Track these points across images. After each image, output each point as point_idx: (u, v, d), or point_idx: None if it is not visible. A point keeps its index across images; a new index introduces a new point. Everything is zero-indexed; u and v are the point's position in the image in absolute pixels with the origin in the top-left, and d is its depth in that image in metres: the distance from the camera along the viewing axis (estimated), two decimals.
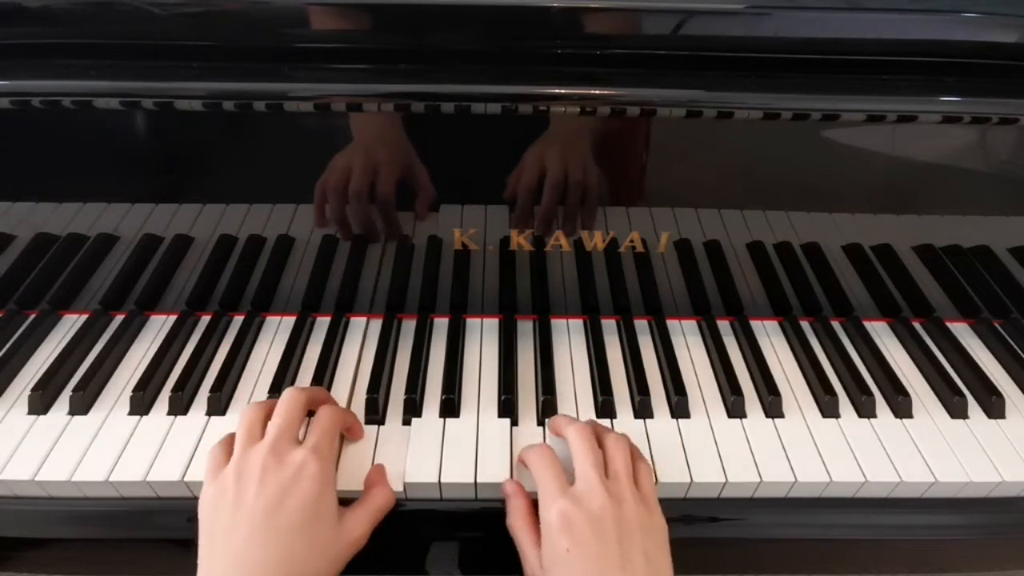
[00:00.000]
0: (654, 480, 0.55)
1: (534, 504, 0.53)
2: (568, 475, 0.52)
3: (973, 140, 0.63)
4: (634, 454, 0.55)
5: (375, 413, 0.62)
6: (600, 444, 0.54)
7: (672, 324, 0.73)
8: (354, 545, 0.51)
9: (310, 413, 0.57)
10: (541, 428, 0.61)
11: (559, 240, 0.68)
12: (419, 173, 0.63)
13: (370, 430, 0.60)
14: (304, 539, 0.48)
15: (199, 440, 0.59)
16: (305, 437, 0.54)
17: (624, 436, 0.55)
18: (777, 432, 0.61)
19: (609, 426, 0.61)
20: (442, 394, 0.63)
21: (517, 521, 0.53)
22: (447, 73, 0.59)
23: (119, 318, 0.72)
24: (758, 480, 0.57)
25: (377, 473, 0.56)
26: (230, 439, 0.54)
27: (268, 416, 0.54)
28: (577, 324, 0.74)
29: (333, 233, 0.67)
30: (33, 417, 0.61)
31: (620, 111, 0.60)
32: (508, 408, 0.62)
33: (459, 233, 0.67)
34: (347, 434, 0.59)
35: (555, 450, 0.54)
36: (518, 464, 0.57)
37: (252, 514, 0.48)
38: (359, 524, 0.52)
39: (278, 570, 0.47)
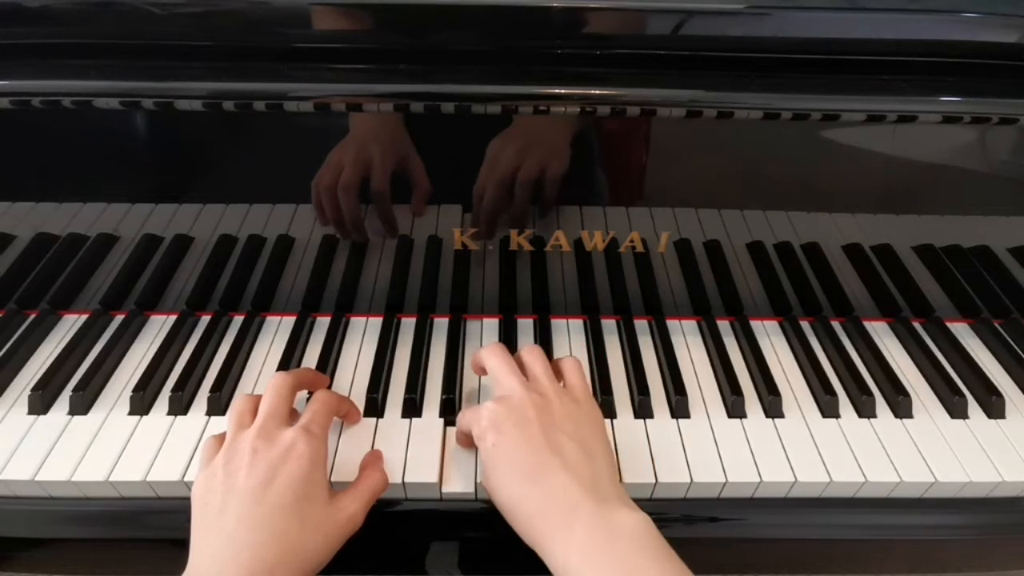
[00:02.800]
0: (581, 372, 0.58)
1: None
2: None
3: (973, 140, 0.63)
4: (564, 361, 0.59)
5: (375, 413, 0.62)
6: (517, 359, 0.58)
7: (672, 324, 0.73)
8: (348, 524, 0.51)
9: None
10: None
11: (559, 240, 0.68)
12: (418, 172, 0.63)
13: (370, 430, 0.60)
14: (295, 517, 0.48)
15: (199, 440, 0.59)
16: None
17: (536, 346, 0.59)
18: (777, 432, 0.61)
19: (608, 426, 0.61)
20: (442, 394, 0.63)
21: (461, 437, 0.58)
22: (447, 73, 0.59)
23: (119, 318, 0.72)
24: (758, 480, 0.57)
25: (372, 456, 0.57)
26: (218, 436, 0.54)
27: (257, 407, 0.55)
28: (577, 324, 0.74)
29: (333, 232, 0.67)
30: (33, 417, 0.61)
31: (620, 111, 0.60)
32: None
33: (459, 233, 0.67)
34: (344, 420, 0.60)
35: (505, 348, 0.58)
36: (473, 367, 0.61)
37: (242, 494, 0.48)
38: (352, 503, 0.51)
39: (268, 549, 0.47)
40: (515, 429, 0.50)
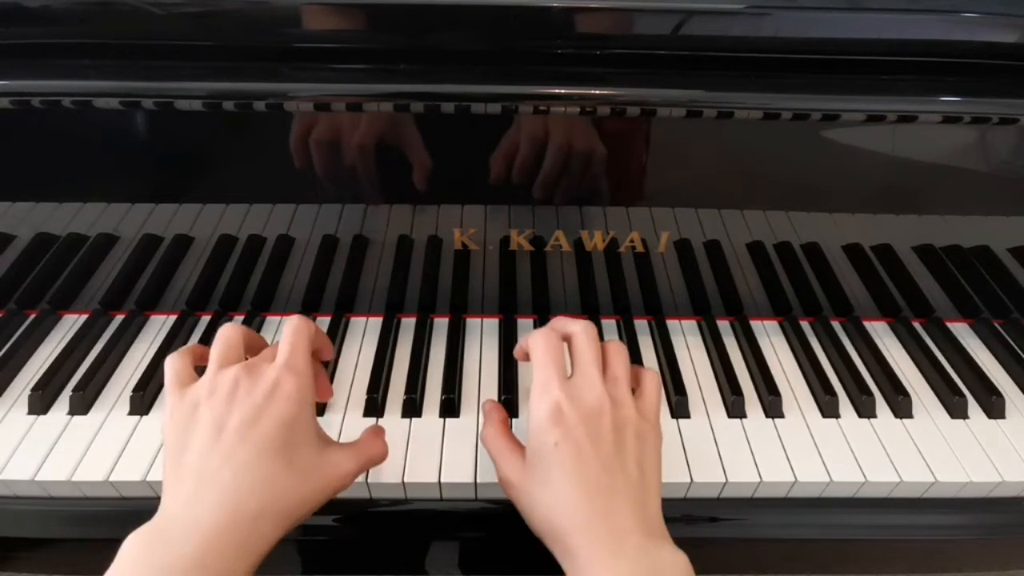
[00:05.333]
0: (659, 389, 0.53)
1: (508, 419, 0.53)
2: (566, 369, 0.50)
3: (973, 140, 0.63)
4: (646, 373, 0.53)
5: (375, 413, 0.62)
6: (602, 349, 0.52)
7: (672, 324, 0.73)
8: (338, 480, 0.48)
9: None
10: None
11: (559, 240, 0.68)
12: (417, 172, 0.63)
13: None
14: (282, 461, 0.45)
15: None
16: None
17: (624, 346, 0.53)
18: (777, 432, 0.61)
19: None
20: (442, 394, 0.63)
21: (491, 429, 0.52)
22: (447, 73, 0.59)
23: (119, 318, 0.72)
24: (758, 480, 0.57)
25: (376, 428, 0.54)
26: (189, 350, 0.52)
27: (247, 343, 0.52)
28: None
29: (333, 232, 0.67)
30: (33, 417, 0.61)
31: (620, 111, 0.60)
32: (508, 408, 0.62)
33: (459, 233, 0.67)
34: (318, 354, 0.55)
35: (559, 338, 0.52)
36: (517, 353, 0.55)
37: (226, 434, 0.45)
38: (346, 460, 0.49)
39: (252, 495, 0.44)
40: (584, 436, 0.46)
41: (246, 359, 0.50)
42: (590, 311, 0.74)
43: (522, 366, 0.67)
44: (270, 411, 0.46)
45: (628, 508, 0.45)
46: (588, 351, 0.50)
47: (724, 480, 0.56)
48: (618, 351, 0.52)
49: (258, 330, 0.72)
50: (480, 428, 0.53)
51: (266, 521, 0.44)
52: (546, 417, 0.47)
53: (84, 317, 0.72)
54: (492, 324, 0.73)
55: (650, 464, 0.48)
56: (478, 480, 0.56)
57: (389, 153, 0.62)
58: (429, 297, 0.72)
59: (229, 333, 0.51)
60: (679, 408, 0.63)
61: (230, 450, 0.44)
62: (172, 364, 0.50)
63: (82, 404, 0.62)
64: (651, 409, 0.51)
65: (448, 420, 0.61)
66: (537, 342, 0.51)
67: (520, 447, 0.50)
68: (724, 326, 0.73)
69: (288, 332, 0.50)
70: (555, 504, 0.46)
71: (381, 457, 0.53)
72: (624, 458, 0.47)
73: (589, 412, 0.47)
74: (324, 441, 0.49)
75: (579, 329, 0.51)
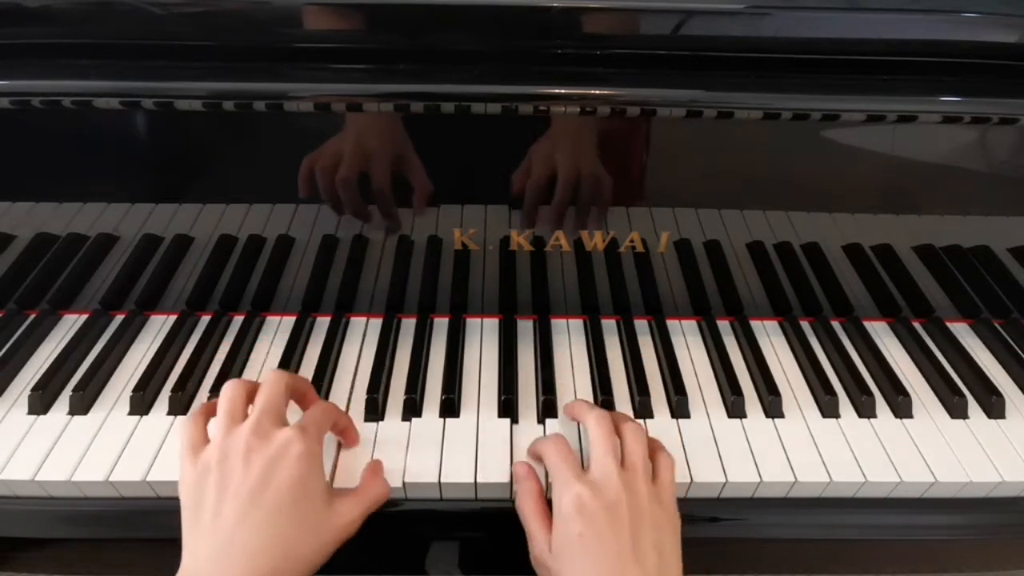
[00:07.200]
0: (674, 474, 0.55)
1: (543, 491, 0.54)
2: (580, 463, 0.53)
3: (973, 140, 0.63)
4: (656, 446, 0.56)
5: (375, 413, 0.62)
6: (618, 433, 0.54)
7: (672, 324, 0.73)
8: (344, 529, 0.50)
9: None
10: (541, 427, 0.61)
11: (559, 240, 0.68)
12: (417, 172, 0.63)
13: (370, 430, 0.60)
14: (293, 520, 0.47)
15: None
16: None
17: (641, 427, 0.55)
18: (777, 432, 0.61)
19: None
20: (442, 394, 0.63)
21: (527, 503, 0.53)
22: (447, 73, 0.59)
23: (119, 318, 0.72)
24: (758, 480, 0.57)
25: (374, 466, 0.56)
26: (202, 411, 0.53)
27: (249, 395, 0.53)
28: (577, 324, 0.74)
29: (333, 232, 0.67)
30: (33, 417, 0.61)
31: (620, 111, 0.60)
32: (508, 408, 0.62)
33: (459, 233, 0.67)
34: (342, 438, 0.58)
35: (565, 438, 0.55)
36: (529, 457, 0.57)
37: (238, 495, 0.47)
38: (351, 509, 0.51)
39: (266, 552, 0.46)
40: (606, 527, 0.48)
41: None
42: (590, 311, 0.74)
43: (522, 367, 0.68)
44: (280, 471, 0.48)
45: None
46: (603, 442, 0.52)
47: (724, 480, 0.56)
48: (635, 437, 0.54)
49: (258, 331, 0.72)
50: (514, 495, 0.55)
51: None
52: (570, 510, 0.49)
53: (84, 317, 0.72)
54: (492, 324, 0.73)
55: (669, 549, 0.50)
56: (478, 480, 0.56)
57: (389, 154, 0.62)
58: (429, 297, 0.72)
59: (231, 390, 0.52)
60: (679, 408, 0.63)
61: (243, 512, 0.47)
62: (185, 430, 0.52)
63: (82, 404, 0.62)
64: (667, 496, 0.53)
65: (448, 420, 0.61)
66: (546, 446, 0.54)
67: (551, 523, 0.51)
68: (724, 326, 0.73)
69: (312, 410, 0.54)
70: None
71: (384, 496, 0.54)
72: (643, 544, 0.49)
73: (608, 503, 0.49)
74: (330, 494, 0.51)
75: (593, 421, 0.54)
